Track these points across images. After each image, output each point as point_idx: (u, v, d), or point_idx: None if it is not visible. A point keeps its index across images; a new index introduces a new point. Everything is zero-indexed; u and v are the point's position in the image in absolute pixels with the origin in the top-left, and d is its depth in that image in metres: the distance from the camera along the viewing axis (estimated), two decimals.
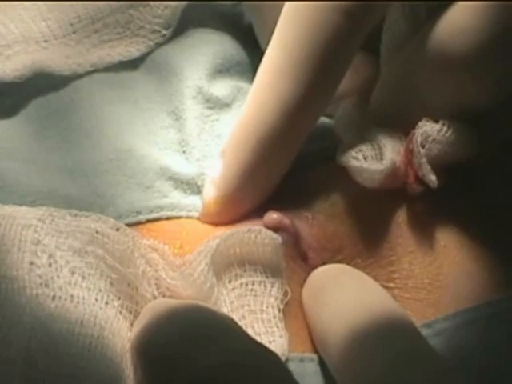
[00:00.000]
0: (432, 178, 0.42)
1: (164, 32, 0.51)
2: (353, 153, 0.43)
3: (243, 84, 0.50)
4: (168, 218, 0.45)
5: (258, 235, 0.42)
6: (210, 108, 0.48)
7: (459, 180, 0.45)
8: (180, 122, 0.48)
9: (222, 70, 0.50)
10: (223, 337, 0.36)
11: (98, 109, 0.48)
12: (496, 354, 0.41)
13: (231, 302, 0.42)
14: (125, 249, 0.40)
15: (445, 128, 0.43)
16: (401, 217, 0.45)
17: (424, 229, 0.45)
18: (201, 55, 0.50)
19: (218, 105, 0.49)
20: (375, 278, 0.43)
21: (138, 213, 0.44)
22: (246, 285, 0.42)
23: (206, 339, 0.35)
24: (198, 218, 0.45)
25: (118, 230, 0.40)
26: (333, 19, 0.42)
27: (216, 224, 0.45)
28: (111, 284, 0.39)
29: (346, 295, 0.41)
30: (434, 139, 0.42)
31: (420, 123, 0.43)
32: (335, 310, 0.40)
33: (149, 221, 0.45)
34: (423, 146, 0.42)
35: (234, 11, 0.53)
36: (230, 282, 0.42)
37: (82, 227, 0.39)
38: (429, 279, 0.44)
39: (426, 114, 0.43)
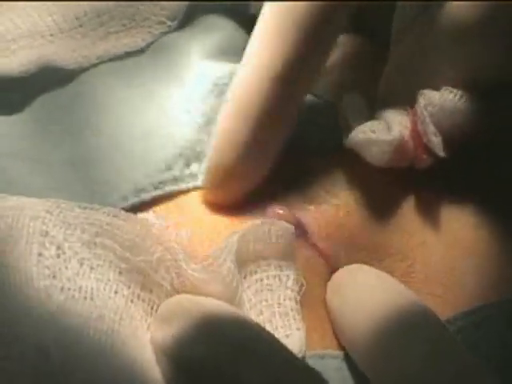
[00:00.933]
0: (437, 140, 0.42)
1: (170, 23, 0.50)
2: (360, 128, 0.43)
3: None
4: (170, 197, 0.45)
5: (272, 227, 0.42)
6: (220, 78, 0.48)
7: (469, 167, 0.45)
8: (186, 87, 0.48)
9: (229, 55, 0.50)
10: (265, 353, 0.36)
11: (103, 98, 0.48)
12: None
13: (249, 299, 0.42)
14: (134, 237, 0.39)
15: (446, 93, 0.43)
16: (408, 207, 0.45)
17: (433, 218, 0.45)
18: (208, 40, 0.50)
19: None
20: (392, 272, 0.43)
21: (142, 190, 0.44)
22: (261, 280, 0.42)
23: (249, 356, 0.35)
24: (197, 190, 0.45)
25: (128, 220, 0.40)
26: None
27: (218, 201, 0.45)
28: (120, 273, 0.39)
29: (370, 293, 0.41)
30: (436, 104, 0.42)
31: (423, 91, 0.43)
32: (362, 309, 0.40)
33: (153, 200, 0.44)
34: (426, 110, 0.42)
35: (240, 3, 0.53)
36: (245, 278, 0.42)
37: (90, 219, 0.39)
38: (444, 274, 0.44)
39: (436, 88, 0.43)
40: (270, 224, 0.42)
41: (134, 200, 0.44)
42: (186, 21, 0.51)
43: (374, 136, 0.42)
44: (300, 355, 0.40)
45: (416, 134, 0.42)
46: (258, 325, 0.38)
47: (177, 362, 0.37)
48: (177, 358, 0.37)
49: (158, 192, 0.45)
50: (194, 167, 0.46)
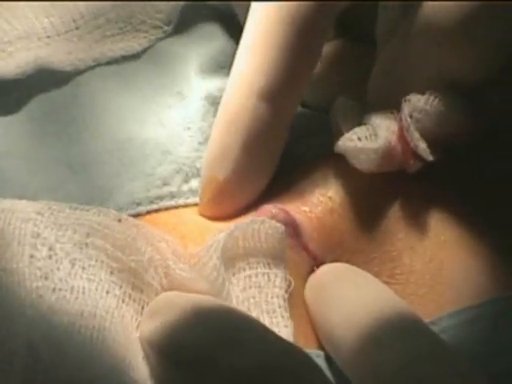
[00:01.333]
0: (423, 146, 0.42)
1: (165, 28, 0.51)
2: (347, 136, 0.43)
3: None
4: (167, 209, 0.45)
5: (262, 225, 0.42)
6: (218, 90, 0.48)
7: (459, 172, 0.45)
8: (185, 102, 0.48)
9: (224, 67, 0.50)
10: (254, 339, 0.36)
11: (99, 101, 0.48)
12: (501, 352, 0.41)
13: (237, 296, 0.42)
14: (126, 237, 0.40)
15: (431, 98, 0.43)
16: (400, 211, 0.45)
17: (424, 224, 0.45)
18: (205, 50, 0.51)
19: None
20: (377, 274, 0.43)
21: (138, 204, 0.45)
22: (250, 277, 0.42)
23: (238, 342, 0.35)
24: (197, 205, 0.46)
25: (119, 220, 0.40)
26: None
27: (214, 217, 0.45)
28: (111, 273, 0.39)
29: (351, 293, 0.41)
30: (421, 109, 0.43)
31: (407, 96, 0.43)
32: (342, 307, 0.40)
33: (148, 212, 0.45)
34: (411, 117, 0.42)
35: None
36: (234, 275, 0.42)
37: (81, 220, 0.40)
38: (430, 275, 0.44)
39: (420, 91, 0.43)
40: (259, 222, 0.42)
41: (129, 212, 0.44)
42: (182, 26, 0.52)
43: (360, 144, 0.42)
44: None
45: (403, 139, 0.43)
46: (245, 313, 0.38)
47: (163, 352, 0.37)
48: (163, 347, 0.37)
49: (154, 206, 0.45)
50: (194, 183, 0.46)
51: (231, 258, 0.42)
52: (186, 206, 0.46)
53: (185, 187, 0.46)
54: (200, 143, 0.47)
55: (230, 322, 0.37)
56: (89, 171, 0.46)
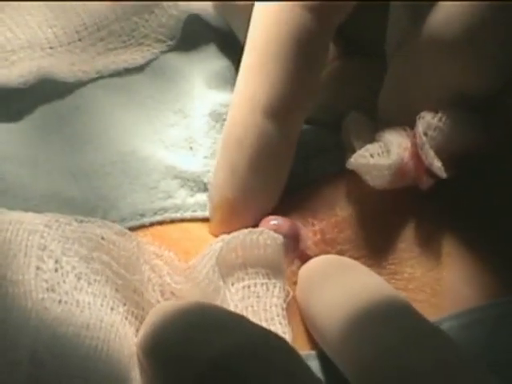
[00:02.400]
0: (438, 164, 0.42)
1: (169, 42, 0.51)
2: (360, 152, 0.43)
3: None
4: (172, 221, 0.45)
5: (260, 236, 0.42)
6: (222, 105, 0.48)
7: (466, 186, 0.45)
8: (187, 120, 0.48)
9: (229, 82, 0.50)
10: (226, 325, 0.36)
11: (102, 113, 0.48)
12: (502, 355, 0.41)
13: (235, 306, 0.42)
14: (130, 255, 0.40)
15: (445, 116, 0.43)
16: (406, 226, 0.45)
17: (428, 235, 0.45)
18: (209, 66, 0.51)
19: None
20: None
21: (142, 215, 0.45)
22: (249, 287, 0.42)
23: (210, 330, 0.35)
24: (203, 220, 0.46)
25: (123, 235, 0.40)
26: (299, 17, 0.42)
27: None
28: (116, 290, 0.40)
29: (338, 281, 0.41)
30: (436, 127, 0.43)
31: (421, 113, 0.43)
32: (329, 296, 0.40)
33: (152, 224, 0.45)
34: (426, 134, 0.43)
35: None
36: (232, 284, 0.42)
37: (87, 233, 0.40)
38: (430, 283, 0.44)
39: (430, 106, 0.43)
40: (258, 233, 0.42)
41: (132, 223, 0.45)
42: (185, 41, 0.52)
43: (372, 160, 0.43)
44: None
45: (416, 156, 0.43)
46: (221, 306, 0.39)
47: (153, 355, 0.37)
48: (146, 350, 0.37)
49: (158, 218, 0.45)
50: (201, 197, 0.46)
51: (230, 268, 0.42)
52: (192, 220, 0.46)
53: (190, 200, 0.46)
54: (206, 157, 0.47)
55: (200, 314, 0.37)
56: (92, 180, 0.45)
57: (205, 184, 0.46)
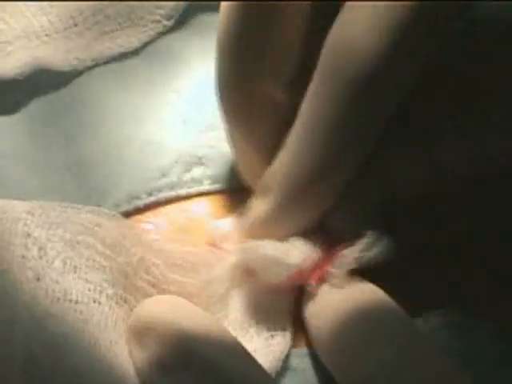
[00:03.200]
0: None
1: (165, 22, 0.50)
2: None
3: None
4: (168, 201, 0.44)
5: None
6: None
7: None
8: (183, 98, 0.47)
9: None
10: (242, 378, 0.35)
11: (98, 103, 0.48)
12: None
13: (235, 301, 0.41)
14: (116, 235, 0.39)
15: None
16: None
17: None
18: (205, 42, 0.50)
19: None
20: None
21: (136, 198, 0.44)
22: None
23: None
24: (199, 195, 0.45)
25: (111, 219, 0.40)
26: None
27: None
28: (104, 273, 0.39)
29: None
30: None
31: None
32: (327, 304, 0.39)
33: (147, 206, 0.44)
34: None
35: None
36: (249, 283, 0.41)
37: (72, 218, 0.39)
38: None
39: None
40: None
41: (126, 207, 0.44)
42: (181, 20, 0.51)
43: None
44: (284, 355, 0.40)
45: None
46: (235, 346, 0.37)
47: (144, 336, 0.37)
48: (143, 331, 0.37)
49: (152, 199, 0.44)
50: (196, 172, 0.45)
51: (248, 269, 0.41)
52: (188, 196, 0.45)
53: (186, 176, 0.45)
54: (200, 131, 0.46)
55: (216, 357, 0.36)
56: (87, 171, 0.45)
57: (199, 158, 0.45)
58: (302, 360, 0.41)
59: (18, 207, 0.39)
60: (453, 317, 0.41)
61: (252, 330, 0.40)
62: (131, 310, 0.39)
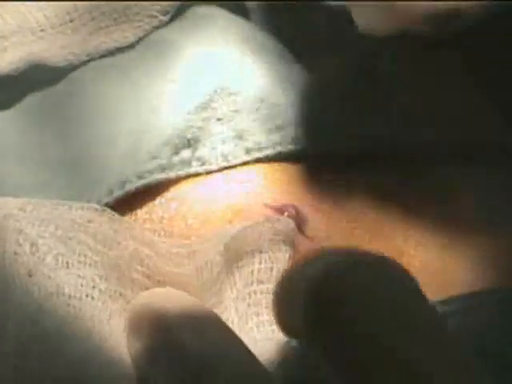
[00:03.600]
0: None
1: (161, 17, 0.50)
2: None
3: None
4: (158, 185, 0.44)
5: (275, 223, 0.41)
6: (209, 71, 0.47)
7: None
8: (178, 87, 0.47)
9: (223, 45, 0.49)
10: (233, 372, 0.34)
11: (93, 98, 0.47)
12: (493, 344, 0.40)
13: (238, 291, 0.41)
14: (107, 230, 0.39)
15: None
16: (406, 211, 0.44)
17: (432, 221, 0.44)
18: (199, 33, 0.50)
19: None
20: None
21: (126, 182, 0.44)
22: (252, 272, 0.41)
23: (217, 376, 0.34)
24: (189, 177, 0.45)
25: (102, 214, 0.40)
26: None
27: None
28: (96, 268, 0.39)
29: None
30: None
31: None
32: None
33: (138, 190, 0.44)
34: None
35: None
36: (238, 269, 0.41)
37: (64, 215, 0.39)
38: (433, 267, 0.43)
39: None
40: (272, 221, 0.41)
41: (119, 193, 0.44)
42: (178, 15, 0.51)
43: None
44: (286, 344, 0.39)
45: None
46: (226, 336, 0.36)
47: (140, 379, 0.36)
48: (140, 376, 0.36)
49: (143, 181, 0.44)
50: (185, 154, 0.45)
51: (236, 253, 0.41)
52: (177, 179, 0.45)
53: (175, 159, 0.45)
54: (189, 113, 0.46)
55: (207, 351, 0.34)
56: (81, 164, 0.45)
57: (188, 140, 0.45)
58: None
59: (9, 203, 0.39)
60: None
61: (252, 322, 0.40)
62: (128, 302, 0.39)
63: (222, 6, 0.51)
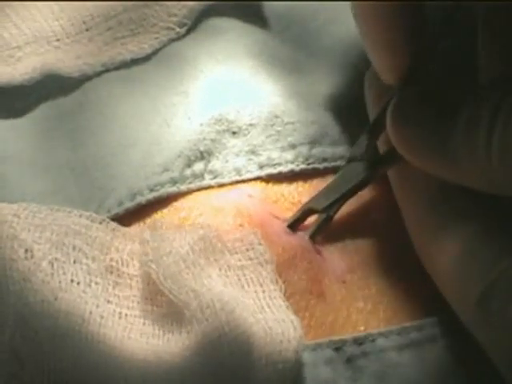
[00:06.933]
0: None
1: (178, 30, 0.49)
2: None
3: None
4: (169, 197, 0.44)
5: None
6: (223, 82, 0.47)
7: None
8: (189, 99, 0.47)
9: (236, 58, 0.48)
10: None
11: (105, 107, 0.47)
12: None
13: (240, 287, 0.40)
14: (104, 236, 0.39)
15: None
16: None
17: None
18: (213, 46, 0.49)
19: None
20: None
21: (137, 194, 0.43)
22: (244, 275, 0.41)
23: None
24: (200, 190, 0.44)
25: (96, 221, 0.40)
26: None
27: None
28: (90, 274, 0.38)
29: None
30: None
31: None
32: None
33: (149, 202, 0.43)
34: None
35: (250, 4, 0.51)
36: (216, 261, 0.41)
37: (58, 220, 0.39)
38: None
39: None
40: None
41: (129, 204, 0.43)
42: (196, 29, 0.50)
43: None
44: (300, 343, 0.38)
45: None
46: None
47: None
48: None
49: (154, 194, 0.43)
50: (198, 166, 0.45)
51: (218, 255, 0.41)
52: (188, 192, 0.44)
53: (187, 171, 0.44)
54: (201, 125, 0.45)
55: None
56: (91, 173, 0.44)
57: (201, 152, 0.44)
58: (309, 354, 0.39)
59: (3, 210, 0.39)
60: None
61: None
62: (131, 301, 0.39)
63: (239, 14, 0.50)
